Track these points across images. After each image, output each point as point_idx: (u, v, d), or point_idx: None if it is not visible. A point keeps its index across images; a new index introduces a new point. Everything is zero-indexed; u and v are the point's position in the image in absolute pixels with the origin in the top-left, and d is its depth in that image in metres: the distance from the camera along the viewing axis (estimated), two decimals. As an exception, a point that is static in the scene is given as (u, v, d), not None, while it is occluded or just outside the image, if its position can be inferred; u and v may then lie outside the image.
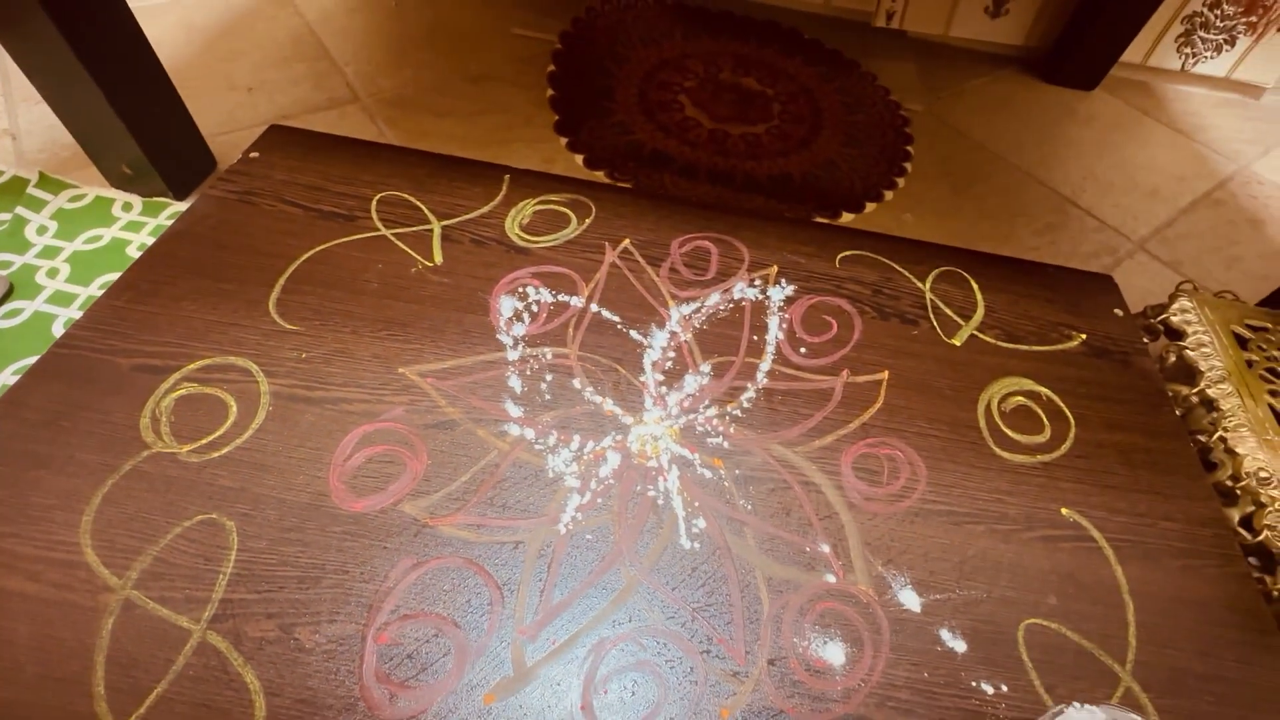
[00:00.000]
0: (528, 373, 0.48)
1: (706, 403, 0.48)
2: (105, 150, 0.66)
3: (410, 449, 0.43)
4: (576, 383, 0.48)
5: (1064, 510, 0.46)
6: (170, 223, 0.67)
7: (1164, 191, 0.92)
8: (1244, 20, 1.02)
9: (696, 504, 0.43)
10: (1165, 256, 0.83)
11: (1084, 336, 0.57)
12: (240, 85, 0.83)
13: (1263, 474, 0.47)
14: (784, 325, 0.54)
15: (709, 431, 0.47)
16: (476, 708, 0.34)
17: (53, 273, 0.62)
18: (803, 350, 0.52)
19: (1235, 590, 0.43)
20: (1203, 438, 0.51)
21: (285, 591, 0.37)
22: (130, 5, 0.61)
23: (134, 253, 0.64)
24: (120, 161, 0.67)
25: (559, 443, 0.45)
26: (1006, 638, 0.40)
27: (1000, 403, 0.51)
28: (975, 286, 0.59)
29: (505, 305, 0.52)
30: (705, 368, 0.50)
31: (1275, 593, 0.43)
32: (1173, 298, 0.59)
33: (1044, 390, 0.52)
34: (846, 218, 0.79)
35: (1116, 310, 0.59)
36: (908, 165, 0.88)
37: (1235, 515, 0.48)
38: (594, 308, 0.53)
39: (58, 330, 0.57)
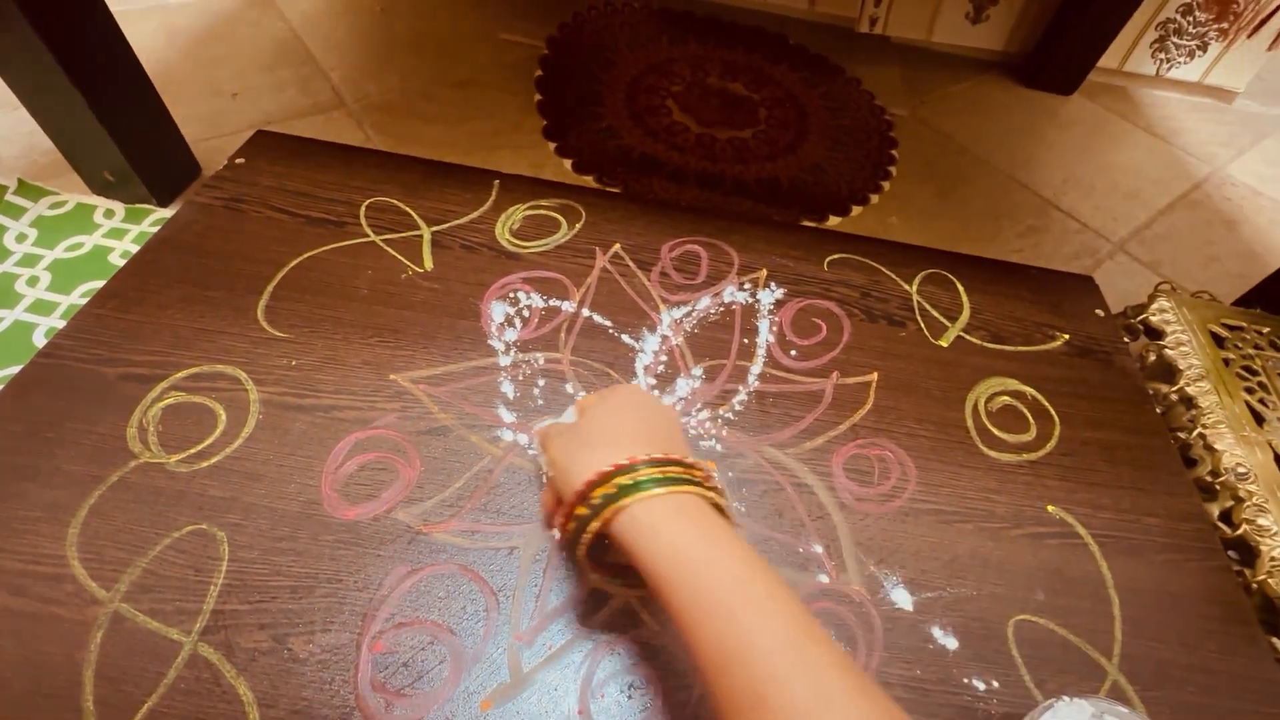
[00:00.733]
0: (520, 378, 0.48)
1: (699, 406, 0.49)
2: (86, 156, 0.65)
3: (403, 456, 0.43)
4: (569, 387, 0.48)
5: (1050, 507, 0.47)
6: (154, 229, 0.66)
7: (1142, 193, 0.95)
8: (1215, 27, 1.05)
9: (690, 507, 0.43)
10: (1144, 257, 0.85)
11: (1067, 337, 0.58)
12: (224, 90, 0.82)
13: (1240, 469, 0.48)
14: (774, 328, 0.54)
15: (702, 434, 0.47)
16: (474, 715, 0.34)
17: (33, 281, 0.61)
18: (793, 353, 0.53)
19: (1216, 583, 0.44)
20: (1183, 434, 0.52)
21: (278, 601, 0.37)
22: (111, 10, 0.60)
23: (116, 260, 0.63)
24: (102, 168, 0.66)
25: (552, 448, 0.45)
26: (996, 634, 0.40)
27: (987, 402, 0.52)
28: (961, 288, 0.60)
29: (497, 310, 0.52)
30: (697, 371, 0.51)
31: (1254, 585, 0.44)
32: (1152, 298, 0.61)
33: (1029, 390, 0.53)
34: (833, 221, 0.80)
35: (1098, 311, 0.60)
36: (893, 169, 0.89)
37: (1215, 510, 0.49)
38: (585, 312, 0.53)
39: (39, 339, 0.56)
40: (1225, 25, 1.05)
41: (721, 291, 0.56)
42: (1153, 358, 0.58)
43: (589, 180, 0.79)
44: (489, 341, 0.50)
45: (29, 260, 0.62)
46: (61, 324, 0.58)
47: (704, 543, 0.29)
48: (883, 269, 0.61)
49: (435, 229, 0.57)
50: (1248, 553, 0.47)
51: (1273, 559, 0.44)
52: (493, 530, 0.41)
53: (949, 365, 0.54)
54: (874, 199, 0.84)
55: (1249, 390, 0.53)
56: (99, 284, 0.61)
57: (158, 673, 0.34)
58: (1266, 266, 0.78)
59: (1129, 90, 1.15)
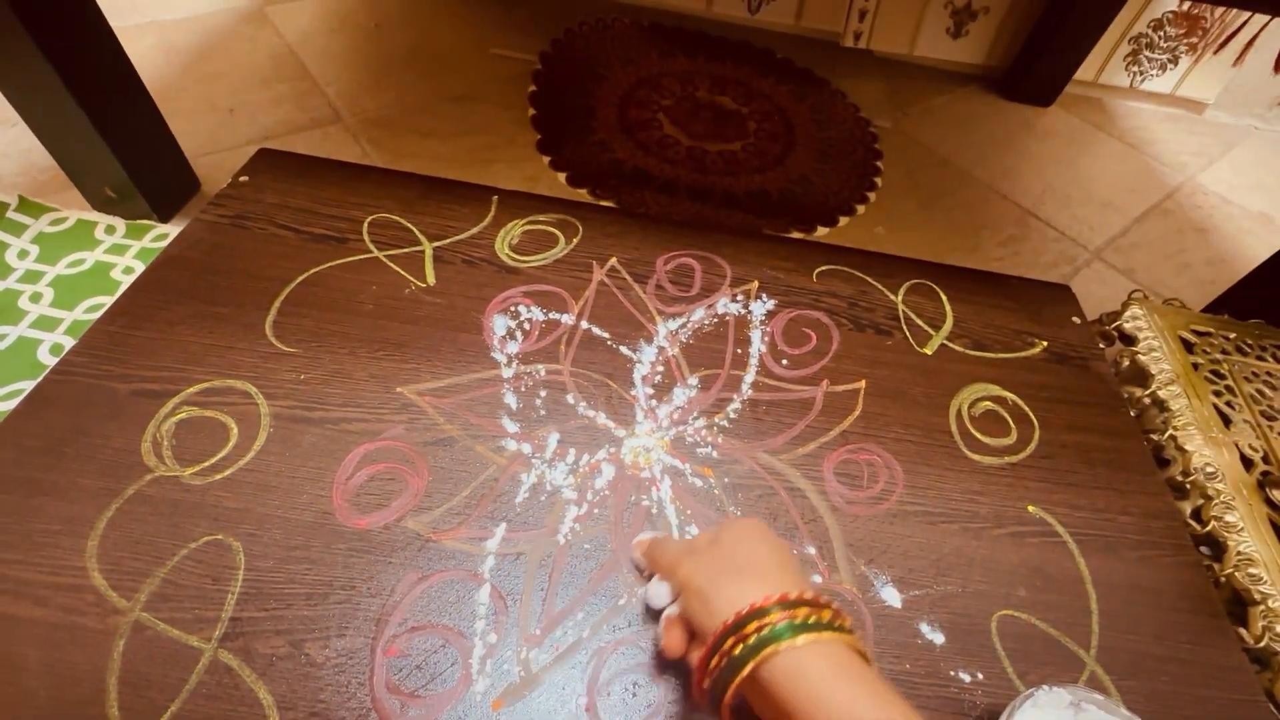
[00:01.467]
0: (522, 389, 0.50)
1: (695, 414, 0.50)
2: (88, 173, 0.66)
3: (411, 466, 0.44)
4: (570, 398, 0.50)
5: (1030, 507, 0.49)
6: (155, 245, 0.67)
7: (1117, 203, 0.98)
8: (1185, 41, 1.09)
9: (689, 512, 0.45)
10: (1120, 265, 0.88)
11: (1045, 344, 0.60)
12: (221, 106, 0.84)
13: (1209, 469, 0.51)
14: (766, 338, 0.56)
15: (698, 442, 0.49)
16: (486, 714, 0.36)
17: (36, 297, 0.62)
18: (784, 362, 0.55)
19: (1187, 578, 0.47)
20: (1155, 436, 0.55)
21: (294, 609, 0.38)
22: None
23: (118, 276, 0.64)
24: (103, 184, 0.66)
25: (555, 456, 0.47)
26: (980, 629, 0.42)
27: (970, 408, 0.54)
28: (944, 298, 0.63)
29: (498, 324, 0.54)
30: (693, 381, 0.53)
31: (1222, 578, 0.47)
32: (1125, 306, 0.63)
33: (1010, 395, 0.56)
34: (821, 231, 0.83)
35: (1075, 319, 0.63)
36: (878, 180, 0.92)
37: (1187, 508, 0.52)
38: (584, 325, 0.55)
39: (43, 354, 0.57)
40: (1194, 40, 1.09)
41: (715, 303, 0.58)
42: (1126, 363, 0.60)
43: (583, 194, 0.81)
44: (491, 354, 0.52)
45: (31, 277, 0.63)
46: (65, 340, 0.59)
47: (868, 699, 0.28)
48: (869, 280, 0.63)
49: (436, 244, 0.58)
50: (1217, 548, 0.49)
51: (1239, 553, 0.47)
52: (500, 537, 0.42)
53: (933, 372, 0.56)
54: (860, 210, 0.87)
55: (1216, 393, 0.56)
56: (101, 299, 0.62)
57: (180, 679, 0.35)
58: (1235, 273, 0.82)
59: (1104, 101, 1.19)
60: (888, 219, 0.87)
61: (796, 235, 0.81)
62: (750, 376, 0.54)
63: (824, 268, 0.63)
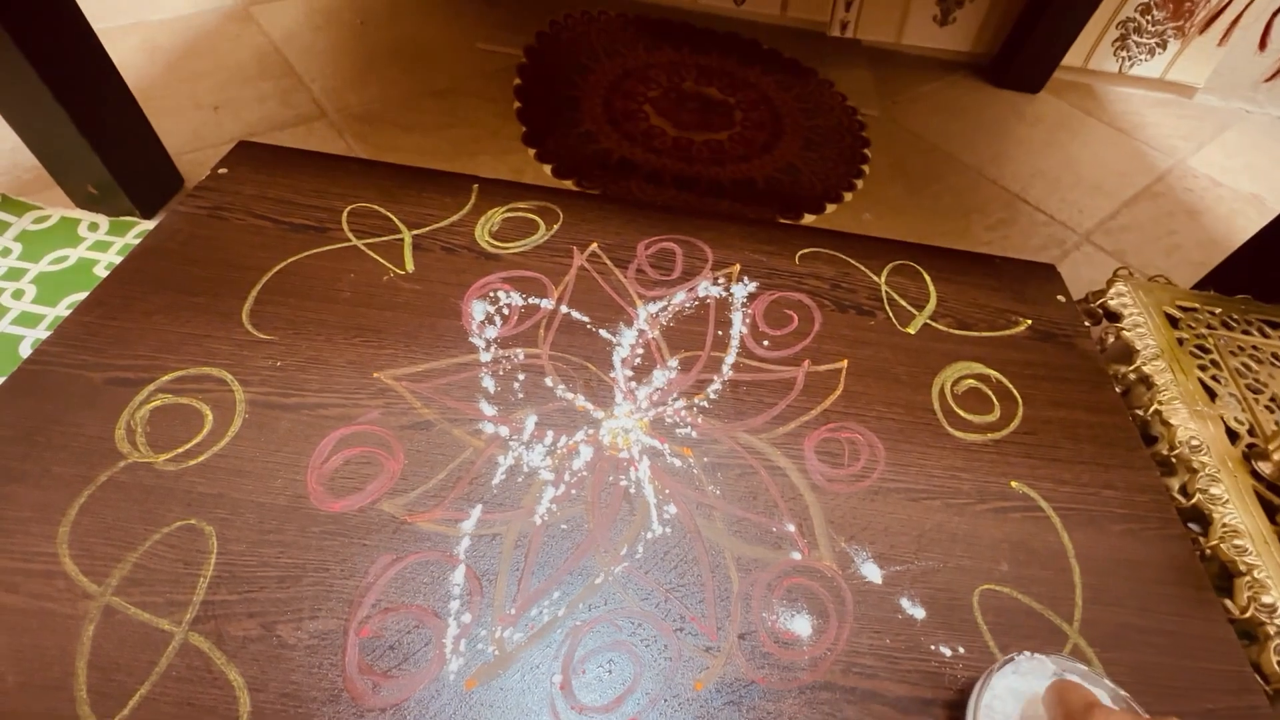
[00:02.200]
0: (500, 373, 0.50)
1: (675, 395, 0.50)
2: (70, 171, 0.66)
3: (387, 450, 0.44)
4: (548, 381, 0.50)
5: (1013, 483, 0.48)
6: (138, 242, 0.67)
7: (1106, 186, 0.98)
8: (1172, 25, 1.09)
9: (667, 491, 0.45)
10: (1109, 247, 0.88)
11: (1030, 322, 0.60)
12: (206, 104, 0.84)
13: (1194, 442, 0.50)
14: (747, 320, 0.56)
15: (678, 422, 0.49)
16: (458, 693, 0.35)
17: (18, 294, 0.62)
18: (765, 343, 0.55)
19: (1173, 551, 0.46)
20: (1140, 412, 0.54)
21: (266, 591, 0.38)
22: (93, 27, 0.61)
23: (101, 272, 0.64)
24: (86, 182, 0.67)
25: (533, 438, 0.46)
26: (962, 604, 0.42)
27: (953, 386, 0.54)
28: (928, 278, 0.62)
29: (477, 309, 0.53)
30: (673, 362, 0.52)
31: (1208, 551, 0.46)
32: (1110, 283, 0.63)
33: (993, 373, 0.55)
34: (808, 219, 0.82)
35: (1059, 297, 0.63)
36: (865, 168, 0.92)
37: (1175, 484, 0.51)
38: (564, 309, 0.55)
39: (25, 351, 0.57)
40: (1181, 23, 1.08)
41: (696, 286, 0.58)
42: (1112, 340, 0.60)
43: (569, 185, 0.81)
44: (470, 339, 0.51)
45: (14, 274, 0.63)
46: (47, 336, 0.58)
47: None
48: (852, 261, 0.63)
49: (416, 232, 0.58)
50: (1203, 521, 0.49)
51: (1225, 525, 0.46)
52: (476, 518, 0.42)
53: (916, 351, 0.56)
54: (848, 197, 0.87)
55: (1202, 368, 0.56)
56: (84, 296, 0.62)
57: (149, 662, 0.35)
58: (1226, 254, 0.81)
59: (1093, 87, 1.18)
60: (875, 205, 0.87)
61: (781, 221, 0.81)
62: (731, 358, 0.53)
63: (806, 250, 0.63)
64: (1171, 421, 0.52)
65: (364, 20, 1.01)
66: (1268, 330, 0.60)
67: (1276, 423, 0.53)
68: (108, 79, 0.64)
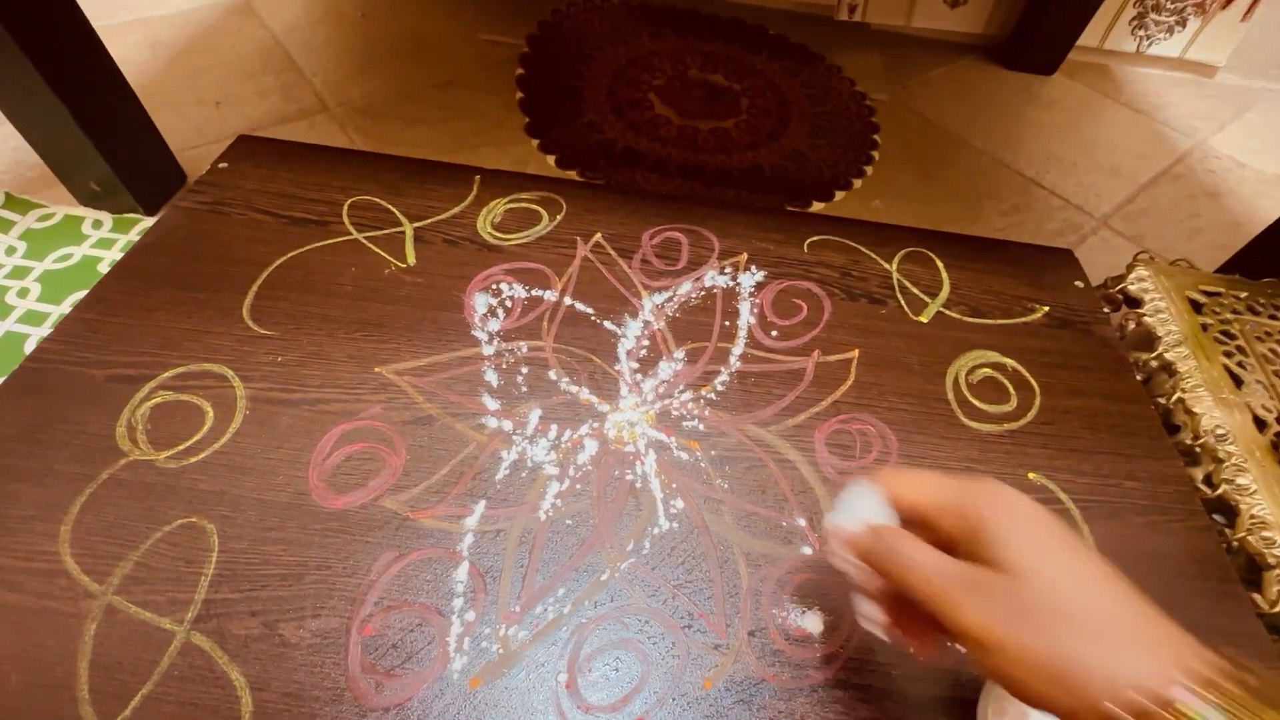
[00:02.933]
0: (504, 366, 0.49)
1: (681, 388, 0.49)
2: (73, 169, 0.66)
3: (389, 445, 0.44)
4: (552, 374, 0.49)
5: (1031, 475, 0.47)
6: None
7: (1125, 169, 0.95)
8: (1193, 2, 1.06)
9: (674, 485, 0.44)
10: (1128, 232, 0.86)
11: (1047, 309, 0.58)
12: (208, 99, 0.83)
13: (1219, 431, 0.48)
14: (755, 310, 0.55)
15: (685, 415, 0.48)
16: (463, 692, 0.35)
17: (23, 293, 0.62)
18: (774, 333, 0.54)
19: (1197, 542, 0.45)
20: (1163, 400, 0.53)
21: (268, 589, 0.37)
22: (94, 25, 0.61)
23: (105, 270, 0.64)
24: (88, 179, 0.66)
25: (537, 432, 0.45)
26: (979, 599, 0.41)
27: (967, 375, 0.53)
28: (940, 265, 0.61)
29: (479, 302, 0.53)
30: (679, 354, 0.51)
31: (1235, 543, 0.45)
32: (1130, 268, 0.61)
33: (1009, 362, 0.54)
34: (817, 206, 0.81)
35: (1077, 282, 0.61)
36: (875, 154, 0.90)
37: (1199, 474, 0.49)
38: (568, 301, 0.54)
39: (30, 350, 0.57)
40: (1201, 0, 1.05)
41: (702, 276, 0.57)
42: (1132, 326, 0.58)
43: (573, 175, 0.79)
44: (472, 332, 0.51)
45: (19, 272, 0.63)
46: (49, 334, 0.58)
47: None
48: (862, 249, 0.61)
49: (417, 225, 0.58)
50: (1229, 513, 0.47)
51: (1253, 517, 0.44)
52: (479, 514, 0.41)
53: (929, 340, 0.54)
54: (857, 184, 0.85)
55: (1227, 354, 0.54)
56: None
57: (151, 661, 0.34)
58: (1249, 237, 0.79)
59: (1110, 68, 1.15)
60: (886, 192, 0.85)
61: (791, 210, 0.79)
62: (738, 349, 0.52)
63: (815, 238, 0.61)
64: (1195, 410, 0.50)
65: (365, 13, 1.01)
66: (1295, 315, 0.58)
67: (1305, 410, 0.51)
68: (109, 76, 0.64)
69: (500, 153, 0.82)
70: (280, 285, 0.51)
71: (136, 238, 0.67)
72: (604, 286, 0.55)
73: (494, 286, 0.54)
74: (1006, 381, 0.52)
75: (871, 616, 0.30)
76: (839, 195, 0.83)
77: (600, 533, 0.41)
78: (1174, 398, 0.52)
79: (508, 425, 0.46)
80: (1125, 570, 0.42)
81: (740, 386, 0.50)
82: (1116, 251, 0.82)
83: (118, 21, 0.92)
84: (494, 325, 0.51)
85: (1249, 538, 0.44)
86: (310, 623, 0.36)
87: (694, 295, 0.55)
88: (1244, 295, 0.59)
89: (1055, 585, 0.24)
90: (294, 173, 0.60)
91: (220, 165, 0.61)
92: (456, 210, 0.59)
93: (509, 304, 0.53)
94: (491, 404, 0.47)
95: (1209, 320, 0.56)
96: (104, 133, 0.63)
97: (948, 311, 0.57)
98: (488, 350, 0.50)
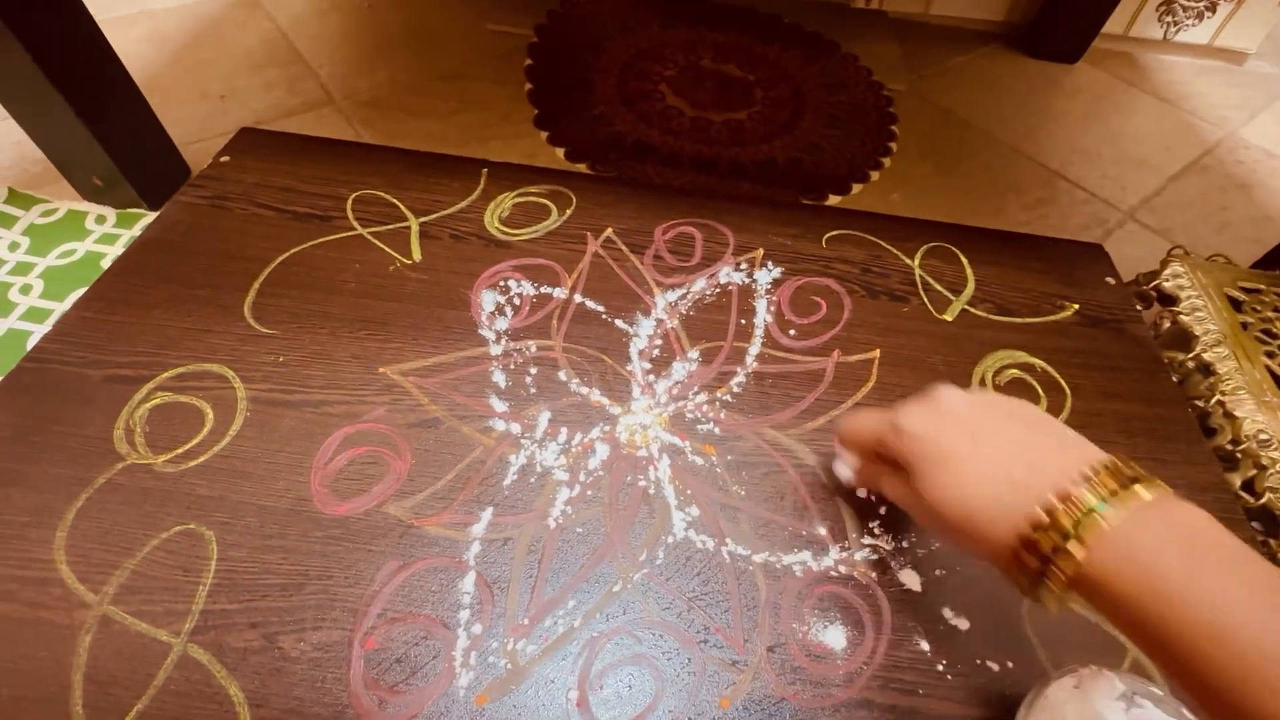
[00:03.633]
0: (512, 367, 0.47)
1: (695, 389, 0.47)
2: (75, 164, 0.65)
3: (393, 449, 0.42)
4: (562, 375, 0.47)
5: (1063, 481, 0.45)
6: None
7: (1152, 160, 0.92)
8: (1224, -14, 1.02)
9: (689, 491, 0.42)
10: (1155, 225, 0.83)
11: (1077, 306, 0.56)
12: (213, 93, 0.82)
13: (1262, 436, 0.46)
14: (772, 308, 0.53)
15: (699, 418, 0.46)
16: (469, 710, 0.33)
17: (26, 289, 0.61)
18: (792, 332, 0.52)
19: (1240, 554, 0.42)
20: (1200, 403, 0.50)
21: (268, 600, 0.36)
22: (98, 19, 0.60)
23: (108, 265, 0.63)
24: (91, 174, 0.65)
25: (546, 436, 0.44)
26: (1009, 614, 0.39)
27: (994, 376, 0.50)
28: (965, 261, 0.58)
29: (487, 300, 0.51)
30: (693, 354, 0.49)
31: (1279, 554, 0.43)
32: (1164, 263, 0.58)
33: (1038, 362, 0.52)
34: (833, 200, 0.78)
35: (1109, 279, 0.58)
36: (893, 145, 0.87)
37: (1237, 480, 0.47)
38: (578, 298, 0.52)
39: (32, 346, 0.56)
40: (1234, -16, 1.01)
41: (717, 273, 0.55)
42: (1167, 324, 0.56)
43: (583, 168, 0.77)
44: (479, 331, 0.49)
45: (22, 269, 0.62)
46: (47, 332, 0.57)
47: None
48: (883, 244, 0.59)
49: (423, 220, 0.56)
50: (1272, 522, 0.45)
51: (1299, 527, 0.42)
52: (486, 521, 0.40)
53: (954, 339, 0.52)
54: (874, 176, 0.82)
55: (1269, 354, 0.51)
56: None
57: (147, 675, 0.33)
58: (1283, 229, 0.76)
59: (1136, 56, 1.12)
60: (904, 185, 0.82)
61: (807, 203, 0.77)
62: (755, 348, 0.50)
63: (834, 233, 0.59)
64: (1236, 413, 0.48)
65: (371, 4, 0.99)
66: (1340, 313, 0.56)
67: (1353, 414, 0.48)
68: (112, 70, 0.63)
69: (508, 146, 0.80)
70: (282, 282, 0.50)
71: (140, 232, 0.66)
72: (615, 283, 0.53)
73: (502, 283, 0.52)
74: (1035, 383, 0.50)
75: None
76: (856, 188, 0.80)
77: (612, 541, 0.40)
78: (1213, 400, 0.49)
79: (516, 428, 0.44)
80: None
81: (757, 388, 0.48)
82: (1144, 246, 0.79)
83: (120, 15, 0.91)
84: (502, 324, 0.49)
85: (1296, 549, 0.42)
86: (311, 635, 0.35)
87: (709, 292, 0.53)
88: (1286, 292, 0.56)
89: (940, 446, 0.29)
90: (297, 166, 0.59)
91: (222, 159, 0.59)
92: (463, 204, 0.58)
93: (517, 301, 0.51)
94: (499, 406, 0.45)
95: (1249, 319, 0.53)
96: (106, 127, 0.62)
97: (973, 309, 0.55)
98: (495, 350, 0.48)
